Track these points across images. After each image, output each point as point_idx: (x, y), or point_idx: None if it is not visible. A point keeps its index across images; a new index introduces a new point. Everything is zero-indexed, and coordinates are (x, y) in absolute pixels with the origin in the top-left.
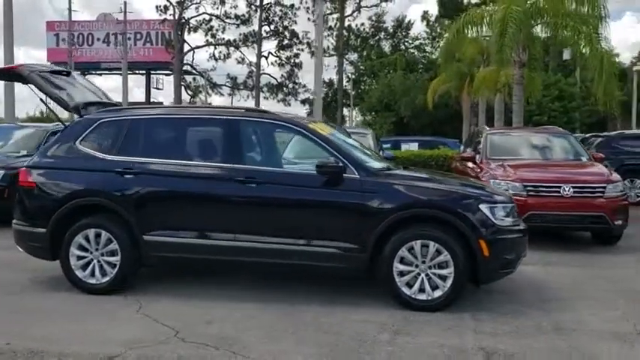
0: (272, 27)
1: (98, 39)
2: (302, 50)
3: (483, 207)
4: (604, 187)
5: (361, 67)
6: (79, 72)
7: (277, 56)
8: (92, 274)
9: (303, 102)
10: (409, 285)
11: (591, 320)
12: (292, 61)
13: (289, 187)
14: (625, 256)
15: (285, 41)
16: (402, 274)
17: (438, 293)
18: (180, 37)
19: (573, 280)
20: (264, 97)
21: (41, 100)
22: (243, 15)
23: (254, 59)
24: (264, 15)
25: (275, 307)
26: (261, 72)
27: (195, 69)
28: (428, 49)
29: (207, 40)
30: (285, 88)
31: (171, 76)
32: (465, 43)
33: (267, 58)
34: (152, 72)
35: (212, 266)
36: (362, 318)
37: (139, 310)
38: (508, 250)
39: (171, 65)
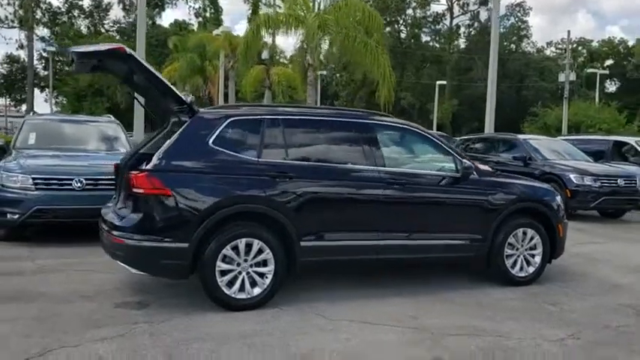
0: None
1: None
2: None
3: (558, 198)
4: None
5: (56, 45)
6: None
7: None
8: (241, 288)
9: None
10: (513, 266)
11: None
12: None
13: (428, 187)
14: None
15: None
16: (508, 257)
17: (531, 269)
18: None
19: None
20: None
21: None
22: None
23: None
24: None
25: (430, 296)
26: None
27: None
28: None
29: None
30: None
31: None
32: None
33: None
34: None
35: (359, 266)
36: (498, 297)
37: (335, 319)
38: (566, 231)
39: None
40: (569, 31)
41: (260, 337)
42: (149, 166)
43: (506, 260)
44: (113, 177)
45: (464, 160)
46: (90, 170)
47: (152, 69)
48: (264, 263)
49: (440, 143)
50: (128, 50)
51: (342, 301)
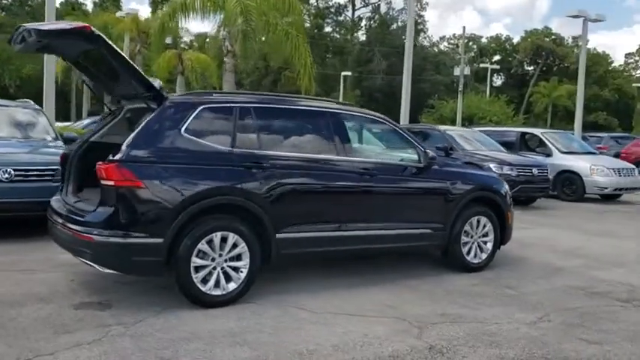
0: None
1: None
2: None
3: (506, 187)
4: None
5: None
6: None
7: None
8: (216, 284)
9: None
10: (468, 253)
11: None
12: None
13: (399, 178)
14: None
15: None
16: (464, 244)
17: (484, 256)
18: None
19: None
20: None
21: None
22: None
23: None
24: None
25: (397, 284)
26: None
27: None
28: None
29: None
30: None
31: None
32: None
33: None
34: None
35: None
36: (460, 283)
37: (319, 312)
38: (513, 218)
39: None
40: (464, 27)
41: (250, 334)
42: (118, 156)
43: (463, 249)
44: (45, 167)
45: (427, 151)
46: (17, 160)
47: (120, 51)
48: (239, 257)
49: (405, 134)
50: (96, 30)
51: (316, 293)
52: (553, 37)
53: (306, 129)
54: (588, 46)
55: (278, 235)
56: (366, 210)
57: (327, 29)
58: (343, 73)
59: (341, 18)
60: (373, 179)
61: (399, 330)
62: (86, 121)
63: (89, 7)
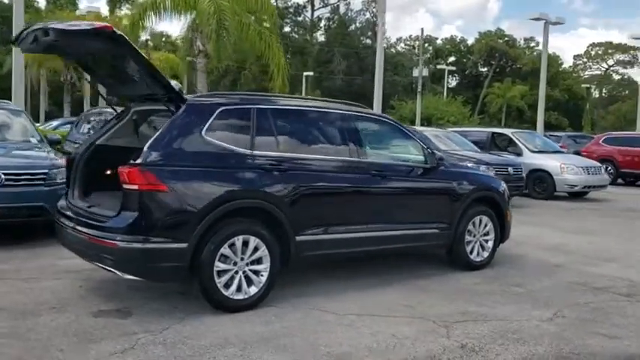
0: None
1: None
2: None
3: (504, 185)
4: None
5: None
6: None
7: None
8: (238, 288)
9: None
10: (471, 252)
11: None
12: None
13: (411, 178)
14: None
15: None
16: (467, 243)
17: (486, 254)
18: None
19: None
20: None
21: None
22: None
23: None
24: None
25: (406, 284)
26: None
27: None
28: None
29: None
30: None
31: None
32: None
33: None
34: None
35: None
36: (466, 282)
37: (342, 314)
38: (512, 216)
39: None
40: (422, 29)
41: (284, 338)
42: (140, 160)
43: (466, 247)
44: (37, 171)
45: (435, 152)
46: (8, 163)
47: (140, 51)
48: (260, 261)
49: (413, 136)
50: (117, 30)
51: (334, 295)
52: (506, 38)
53: (323, 131)
54: (540, 47)
55: (297, 238)
56: (383, 211)
57: (286, 29)
58: (305, 73)
59: (300, 18)
60: (389, 181)
61: (426, 330)
62: (55, 123)
63: (42, 4)
